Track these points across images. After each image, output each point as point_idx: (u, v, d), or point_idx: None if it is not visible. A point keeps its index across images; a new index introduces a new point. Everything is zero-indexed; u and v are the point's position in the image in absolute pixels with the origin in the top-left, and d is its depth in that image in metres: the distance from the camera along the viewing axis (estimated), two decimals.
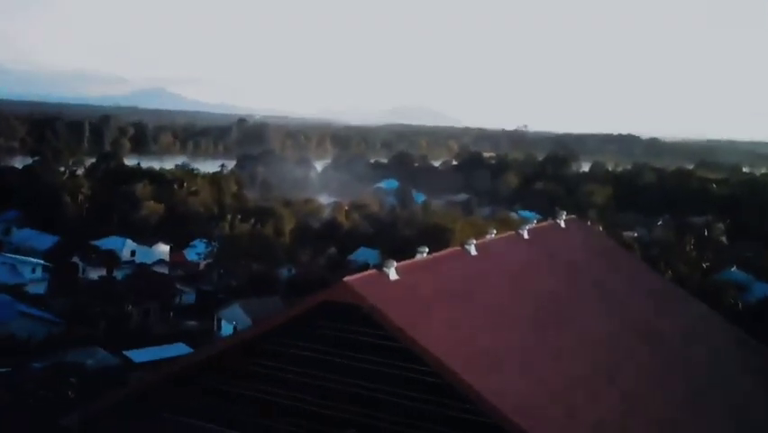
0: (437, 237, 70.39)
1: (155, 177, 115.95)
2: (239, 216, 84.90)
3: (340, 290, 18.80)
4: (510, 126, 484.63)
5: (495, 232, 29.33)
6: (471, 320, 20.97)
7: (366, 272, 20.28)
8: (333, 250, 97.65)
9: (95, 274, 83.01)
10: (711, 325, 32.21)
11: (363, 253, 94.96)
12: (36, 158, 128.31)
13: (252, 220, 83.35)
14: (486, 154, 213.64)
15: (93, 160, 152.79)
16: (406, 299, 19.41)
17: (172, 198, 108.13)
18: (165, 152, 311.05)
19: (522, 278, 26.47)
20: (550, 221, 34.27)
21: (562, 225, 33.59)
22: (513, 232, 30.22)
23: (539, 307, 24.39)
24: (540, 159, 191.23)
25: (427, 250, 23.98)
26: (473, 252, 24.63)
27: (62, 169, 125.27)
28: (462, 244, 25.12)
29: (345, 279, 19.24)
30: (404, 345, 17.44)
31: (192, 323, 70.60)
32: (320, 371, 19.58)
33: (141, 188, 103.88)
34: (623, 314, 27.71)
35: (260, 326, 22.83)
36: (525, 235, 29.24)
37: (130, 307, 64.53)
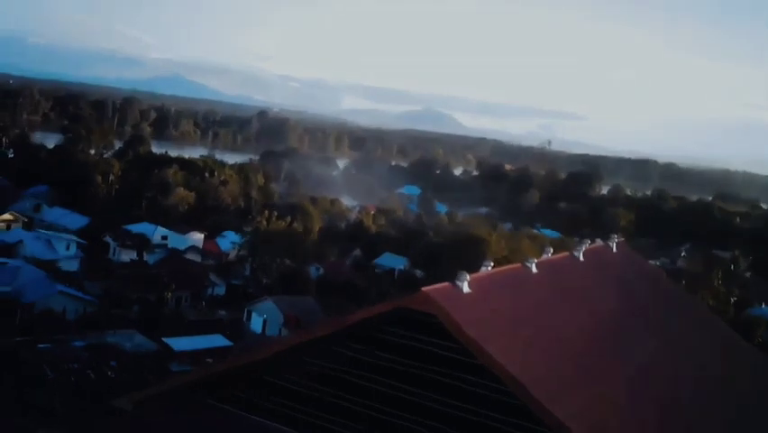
0: (470, 249, 70.62)
1: (184, 164, 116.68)
2: (275, 212, 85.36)
3: (418, 299, 18.76)
4: (532, 142, 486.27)
5: (551, 251, 29.87)
6: (542, 341, 21.16)
7: (440, 284, 20.41)
8: (358, 252, 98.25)
9: (125, 256, 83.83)
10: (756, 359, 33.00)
11: (389, 259, 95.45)
12: (68, 135, 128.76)
13: (289, 218, 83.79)
14: (507, 167, 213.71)
15: (120, 142, 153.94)
16: (480, 314, 19.55)
17: (202, 186, 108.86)
18: (185, 139, 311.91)
19: (585, 301, 27.07)
20: (601, 243, 35.06)
21: (614, 248, 34.32)
22: (567, 252, 30.99)
23: (606, 332, 24.89)
24: (562, 177, 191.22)
25: (492, 264, 24.53)
26: (534, 269, 25.21)
27: (92, 150, 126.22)
28: (523, 262, 25.68)
29: (424, 289, 19.34)
30: (479, 360, 17.46)
31: (222, 313, 71.25)
32: (384, 377, 19.49)
33: (172, 175, 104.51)
34: (678, 344, 28.42)
35: (324, 327, 23.07)
36: (581, 257, 29.96)
37: (169, 294, 65.11)
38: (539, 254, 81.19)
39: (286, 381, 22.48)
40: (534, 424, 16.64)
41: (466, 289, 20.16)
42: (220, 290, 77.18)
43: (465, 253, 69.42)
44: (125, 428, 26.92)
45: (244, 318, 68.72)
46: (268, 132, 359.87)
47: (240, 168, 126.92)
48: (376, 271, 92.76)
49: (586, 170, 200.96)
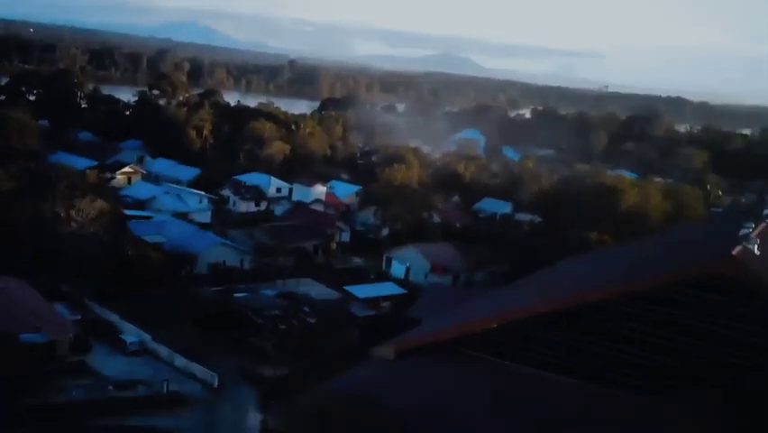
0: (603, 197, 71.55)
1: (269, 116, 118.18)
2: (393, 163, 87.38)
3: (727, 265, 19.98)
4: (560, 83, 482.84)
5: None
6: None
7: (737, 247, 21.64)
8: (456, 198, 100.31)
9: (244, 207, 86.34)
10: None
11: (490, 204, 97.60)
12: (153, 91, 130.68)
13: (415, 167, 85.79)
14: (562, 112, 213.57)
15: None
16: None
17: (291, 138, 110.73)
18: (218, 87, 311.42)
19: None
20: None
21: None
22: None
23: None
24: (622, 118, 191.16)
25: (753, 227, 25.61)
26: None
27: (173, 102, 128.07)
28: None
29: (734, 253, 20.62)
30: None
31: (356, 260, 73.85)
32: (680, 335, 20.81)
33: (267, 129, 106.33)
34: None
35: (609, 289, 24.02)
36: None
37: (334, 245, 67.81)
38: (663, 202, 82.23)
39: (564, 337, 24.02)
40: None
41: (756, 250, 21.36)
42: (344, 238, 79.68)
43: (598, 201, 70.65)
44: (391, 374, 29.08)
45: (383, 265, 71.02)
46: (300, 79, 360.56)
47: (320, 119, 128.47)
48: (480, 215, 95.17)
49: (646, 110, 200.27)
